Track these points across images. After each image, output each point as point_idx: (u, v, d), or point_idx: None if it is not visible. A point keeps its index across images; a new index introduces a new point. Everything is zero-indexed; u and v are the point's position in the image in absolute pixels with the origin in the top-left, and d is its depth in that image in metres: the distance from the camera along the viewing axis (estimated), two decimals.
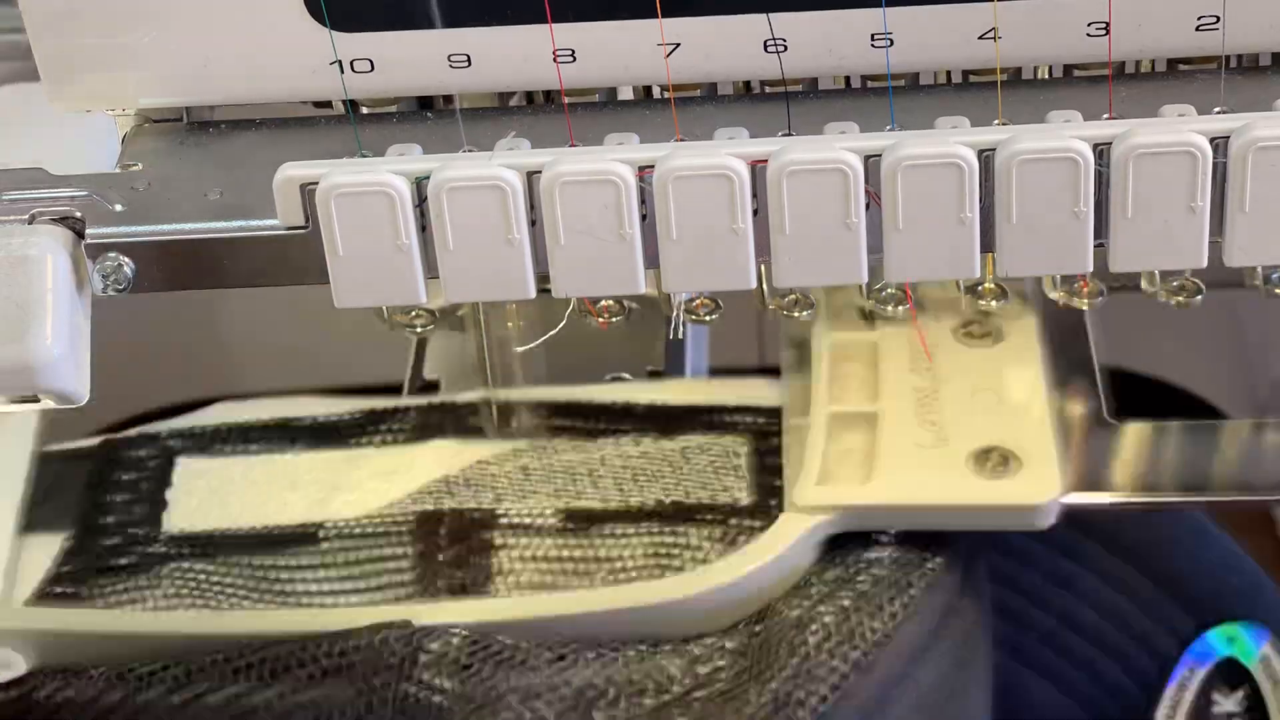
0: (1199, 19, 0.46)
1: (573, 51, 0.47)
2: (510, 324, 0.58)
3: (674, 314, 0.51)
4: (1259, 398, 0.69)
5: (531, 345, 0.54)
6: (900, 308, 0.54)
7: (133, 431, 0.59)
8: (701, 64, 0.47)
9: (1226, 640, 0.57)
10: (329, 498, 0.56)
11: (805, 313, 0.52)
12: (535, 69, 0.47)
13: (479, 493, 0.55)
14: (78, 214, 0.46)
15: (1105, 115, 0.45)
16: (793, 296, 0.52)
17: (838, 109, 0.47)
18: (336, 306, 0.45)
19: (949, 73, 0.49)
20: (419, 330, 0.53)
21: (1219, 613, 0.57)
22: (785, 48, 0.47)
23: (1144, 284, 0.51)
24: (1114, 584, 0.59)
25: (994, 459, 0.52)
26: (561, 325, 0.50)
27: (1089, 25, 0.46)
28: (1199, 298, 0.50)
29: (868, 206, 0.44)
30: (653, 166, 0.43)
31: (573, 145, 0.46)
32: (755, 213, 0.44)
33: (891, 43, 0.47)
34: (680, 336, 0.55)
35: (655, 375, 0.61)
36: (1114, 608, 0.58)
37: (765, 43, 0.47)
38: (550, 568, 0.53)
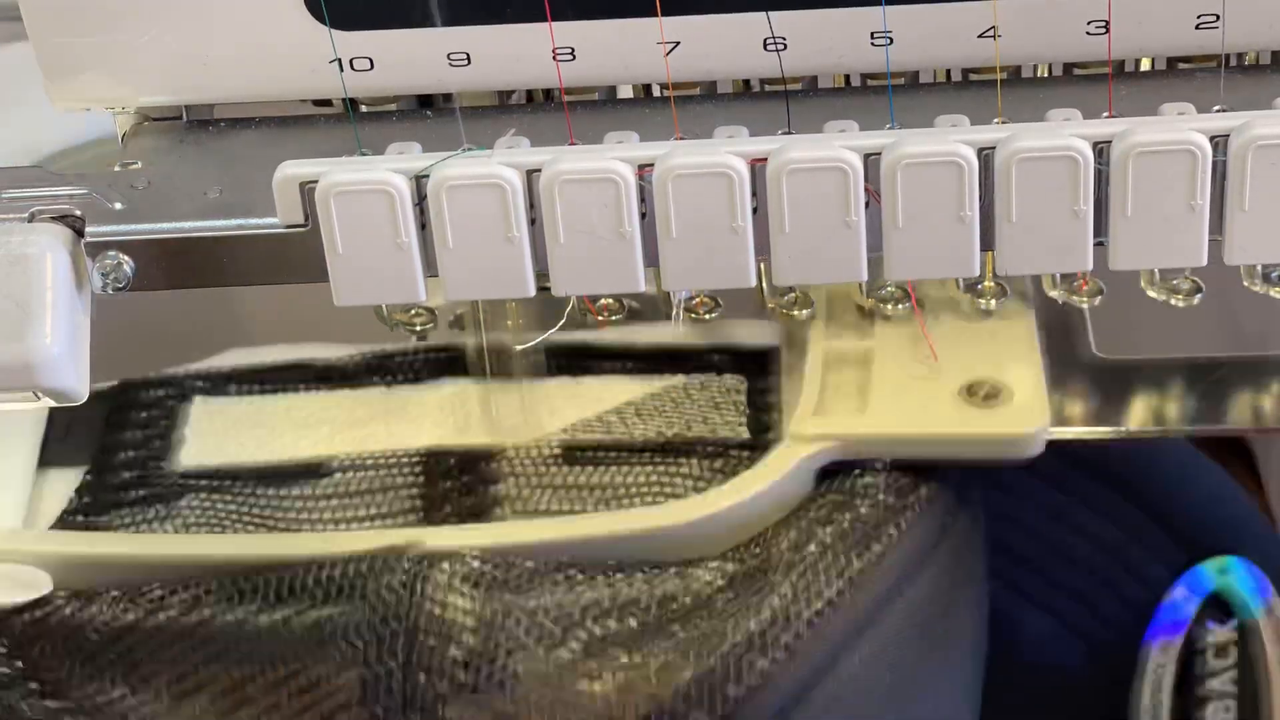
0: (1199, 17, 0.46)
1: (572, 50, 0.47)
2: (510, 322, 0.58)
3: (674, 312, 0.51)
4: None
5: (531, 344, 0.54)
6: (900, 306, 0.54)
7: (149, 374, 0.59)
8: (701, 62, 0.47)
9: (1218, 571, 0.57)
10: (338, 435, 0.57)
11: (805, 311, 0.52)
12: (535, 67, 0.47)
13: (485, 428, 0.56)
14: (77, 212, 0.46)
15: (1105, 114, 0.45)
16: (793, 295, 0.52)
17: (837, 107, 0.47)
18: (336, 305, 0.45)
19: (949, 71, 0.49)
20: (419, 329, 0.53)
21: (1209, 544, 0.58)
22: (785, 46, 0.47)
23: (1143, 283, 0.51)
24: (1106, 516, 0.59)
25: (984, 391, 0.52)
26: (561, 324, 0.50)
27: (1089, 24, 0.46)
28: (1198, 297, 0.50)
29: (867, 205, 0.44)
30: (652, 165, 0.43)
31: (572, 144, 0.46)
32: (755, 211, 0.44)
33: (891, 41, 0.47)
34: None
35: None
36: (1106, 539, 0.59)
37: (765, 41, 0.47)
38: (554, 496, 0.54)
